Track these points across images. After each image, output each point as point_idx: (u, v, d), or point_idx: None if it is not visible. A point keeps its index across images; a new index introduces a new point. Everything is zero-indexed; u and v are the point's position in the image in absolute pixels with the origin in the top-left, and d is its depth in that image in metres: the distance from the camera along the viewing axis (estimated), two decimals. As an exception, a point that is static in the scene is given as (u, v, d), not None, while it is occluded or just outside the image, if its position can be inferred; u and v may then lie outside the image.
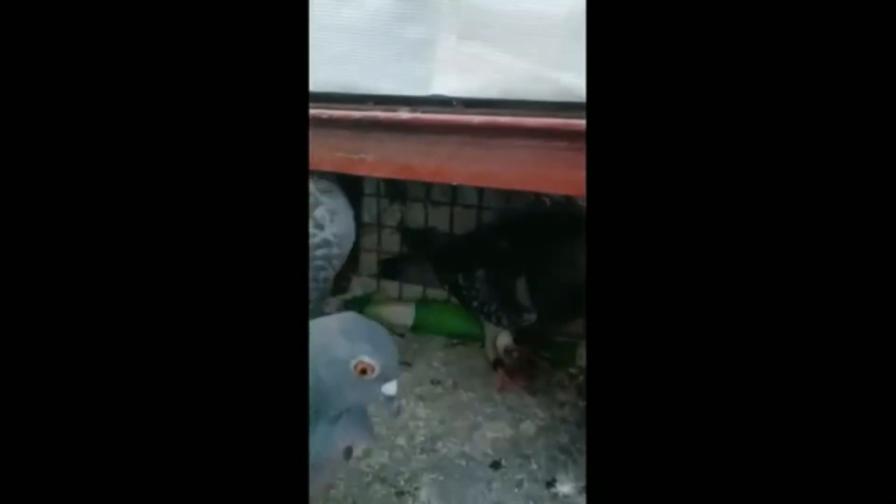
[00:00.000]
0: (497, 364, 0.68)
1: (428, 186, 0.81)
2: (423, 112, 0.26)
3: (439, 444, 0.54)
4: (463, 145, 0.27)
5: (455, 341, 0.80)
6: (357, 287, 0.89)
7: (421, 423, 0.58)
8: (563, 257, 0.58)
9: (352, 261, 0.90)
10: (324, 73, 0.27)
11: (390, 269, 0.82)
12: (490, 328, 0.68)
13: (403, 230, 0.82)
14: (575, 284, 0.56)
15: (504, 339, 0.76)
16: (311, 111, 0.27)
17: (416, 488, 0.48)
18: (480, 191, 0.78)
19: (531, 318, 0.62)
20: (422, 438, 0.55)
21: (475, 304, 0.65)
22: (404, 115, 0.25)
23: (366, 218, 0.88)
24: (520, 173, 0.25)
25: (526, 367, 0.72)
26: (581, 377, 0.71)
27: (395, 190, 0.83)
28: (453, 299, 0.83)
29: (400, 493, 0.47)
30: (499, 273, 0.62)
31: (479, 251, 0.65)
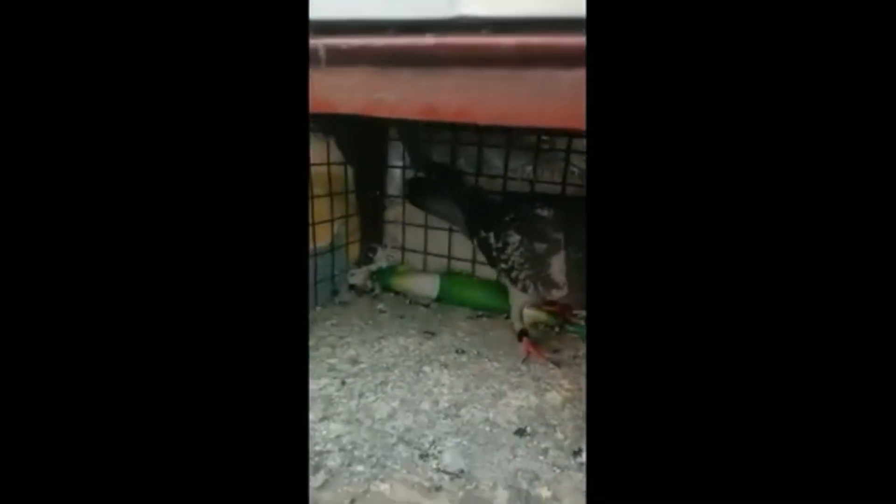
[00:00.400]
0: (523, 334, 0.67)
1: (453, 155, 0.79)
2: (449, 36, 0.24)
3: (463, 411, 0.54)
4: (491, 80, 0.25)
5: (479, 313, 0.79)
6: (382, 259, 0.89)
7: (445, 390, 0.57)
8: None
9: (376, 232, 0.90)
10: (342, 1, 0.25)
11: (416, 191, 0.78)
12: (516, 296, 0.66)
13: (431, 164, 0.78)
14: None
15: (531, 312, 0.75)
16: (330, 41, 0.25)
17: (440, 451, 0.47)
18: (506, 160, 0.76)
19: (561, 293, 0.60)
20: (446, 404, 0.55)
21: (503, 266, 0.63)
22: (429, 40, 0.24)
23: (391, 190, 0.87)
24: (556, 107, 0.23)
25: (553, 339, 0.71)
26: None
27: (419, 158, 0.82)
28: (477, 274, 0.83)
29: (424, 456, 0.47)
30: (535, 245, 0.60)
31: (517, 214, 0.63)
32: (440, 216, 0.76)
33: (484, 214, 0.66)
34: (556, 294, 0.60)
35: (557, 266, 0.58)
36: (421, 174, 0.80)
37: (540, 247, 0.59)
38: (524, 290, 0.63)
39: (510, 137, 0.75)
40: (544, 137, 0.73)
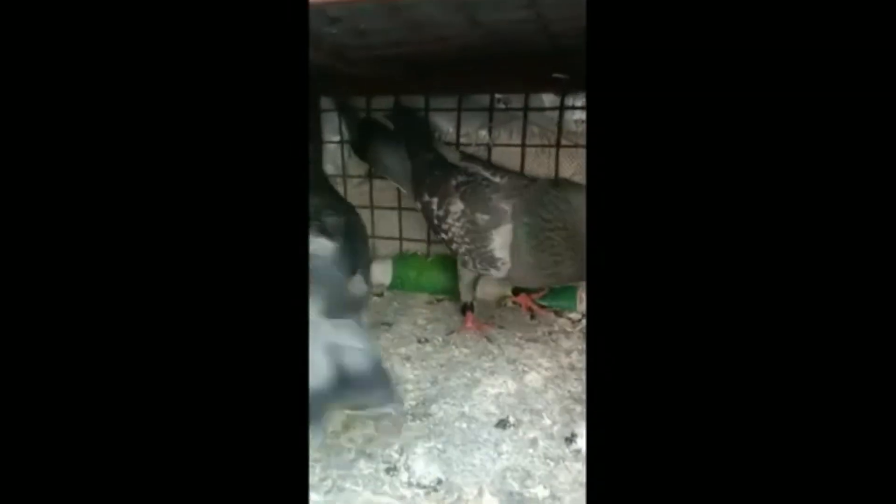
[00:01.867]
0: (466, 308, 0.61)
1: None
2: None
3: (434, 407, 0.46)
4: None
5: (440, 297, 0.71)
6: (324, 248, 0.78)
7: (410, 386, 0.49)
8: (559, 214, 0.49)
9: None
10: None
11: (364, 137, 0.65)
12: (463, 269, 0.60)
13: (396, 106, 0.67)
14: (564, 247, 0.49)
15: (491, 289, 0.68)
16: None
17: (410, 461, 0.39)
18: (458, 123, 0.68)
19: (499, 274, 0.54)
20: (412, 403, 0.46)
21: (444, 236, 0.57)
22: None
23: (329, 169, 0.77)
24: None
25: (525, 317, 0.64)
26: (584, 321, 0.63)
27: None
28: (432, 254, 0.75)
29: (391, 469, 0.38)
30: (477, 216, 0.53)
31: (467, 177, 0.56)
32: (385, 171, 0.65)
33: (432, 175, 0.58)
34: (495, 273, 0.54)
35: (499, 241, 0.52)
36: (372, 117, 0.69)
37: (482, 218, 0.53)
38: (464, 264, 0.57)
39: (461, 99, 0.67)
40: (498, 96, 0.66)
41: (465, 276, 0.60)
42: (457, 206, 0.54)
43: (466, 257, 0.56)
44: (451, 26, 0.35)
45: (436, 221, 0.57)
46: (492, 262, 0.53)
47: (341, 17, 0.32)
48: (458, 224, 0.55)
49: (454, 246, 0.56)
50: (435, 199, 0.56)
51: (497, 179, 0.55)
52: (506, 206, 0.52)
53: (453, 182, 0.55)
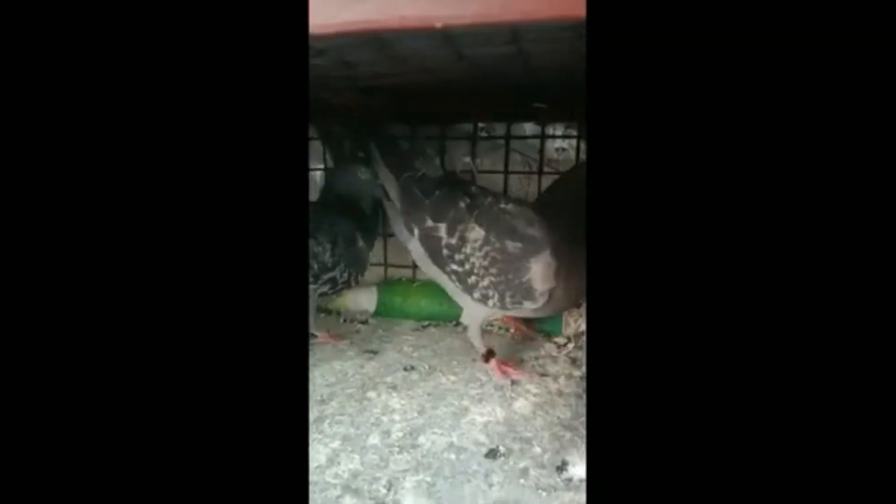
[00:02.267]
0: (490, 356, 0.55)
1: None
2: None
3: (421, 438, 0.44)
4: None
5: (426, 323, 0.71)
6: (307, 275, 0.77)
7: (396, 417, 0.48)
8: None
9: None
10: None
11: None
12: (472, 308, 0.53)
13: (360, 125, 0.64)
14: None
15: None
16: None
17: (399, 496, 0.37)
18: (442, 150, 0.70)
19: (534, 306, 0.46)
20: (399, 434, 0.45)
21: (458, 268, 0.48)
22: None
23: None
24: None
25: (510, 341, 0.64)
26: (570, 346, 0.63)
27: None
28: (418, 280, 0.74)
29: (378, 505, 0.37)
30: (507, 243, 0.45)
31: (469, 201, 0.48)
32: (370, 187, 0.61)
33: (431, 197, 0.49)
34: (529, 306, 0.46)
35: (539, 270, 0.44)
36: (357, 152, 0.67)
37: (514, 246, 0.45)
38: (483, 300, 0.48)
39: (444, 126, 0.69)
40: (481, 125, 0.68)
41: (476, 314, 0.52)
42: (476, 233, 0.46)
43: (492, 290, 0.46)
44: (435, 59, 0.36)
45: (446, 251, 0.48)
46: (528, 294, 0.45)
47: (327, 48, 0.33)
48: (479, 253, 0.46)
49: (473, 279, 0.47)
50: (442, 226, 0.48)
51: (508, 206, 0.48)
52: (534, 233, 0.44)
53: (461, 203, 0.47)
